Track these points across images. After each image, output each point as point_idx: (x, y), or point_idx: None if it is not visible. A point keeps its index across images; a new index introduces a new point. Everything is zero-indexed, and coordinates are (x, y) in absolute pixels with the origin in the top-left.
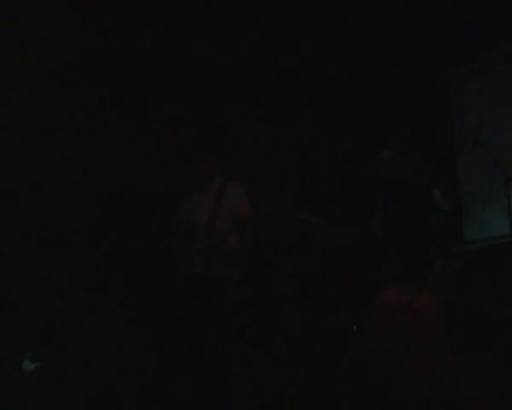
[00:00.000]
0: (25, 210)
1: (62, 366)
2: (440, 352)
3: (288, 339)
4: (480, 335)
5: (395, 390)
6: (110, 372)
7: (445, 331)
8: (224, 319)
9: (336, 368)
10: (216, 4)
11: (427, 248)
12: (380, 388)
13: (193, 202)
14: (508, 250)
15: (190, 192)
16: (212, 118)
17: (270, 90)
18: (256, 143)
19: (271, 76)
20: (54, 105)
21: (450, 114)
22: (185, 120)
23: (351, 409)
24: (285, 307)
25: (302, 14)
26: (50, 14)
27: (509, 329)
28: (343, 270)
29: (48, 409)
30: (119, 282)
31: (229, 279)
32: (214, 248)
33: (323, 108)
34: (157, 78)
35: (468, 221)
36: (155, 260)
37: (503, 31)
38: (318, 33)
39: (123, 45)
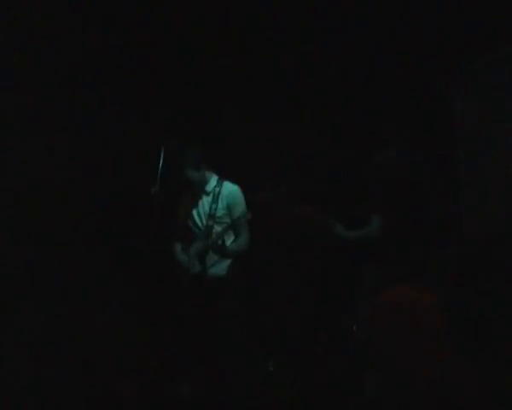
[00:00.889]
0: (25, 210)
1: (62, 366)
2: (440, 352)
3: (288, 339)
4: (480, 335)
5: (395, 390)
6: (110, 372)
7: (445, 331)
8: (223, 319)
9: (336, 368)
10: (216, 4)
11: (427, 248)
12: (380, 388)
13: (190, 202)
14: (508, 250)
15: (187, 192)
16: (211, 118)
17: (270, 90)
18: (256, 143)
19: (271, 76)
20: (54, 105)
21: (450, 114)
22: (185, 119)
23: (351, 409)
24: (285, 306)
25: (302, 14)
26: (50, 14)
27: (509, 329)
28: (343, 270)
29: (48, 409)
30: (119, 282)
31: (226, 279)
32: (211, 248)
33: (323, 108)
34: (157, 78)
35: (468, 221)
36: (155, 260)
37: (503, 31)
38: (318, 33)
39: (123, 45)
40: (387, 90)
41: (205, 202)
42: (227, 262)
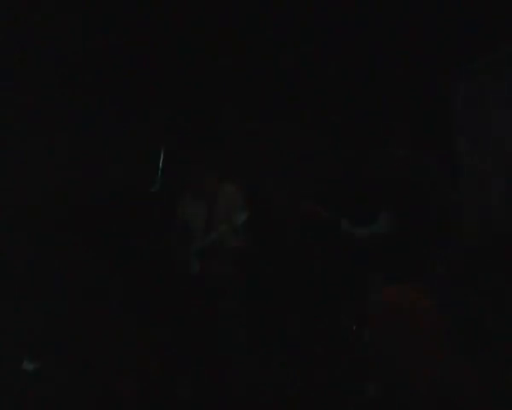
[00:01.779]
0: (25, 210)
1: (62, 366)
2: (440, 352)
3: (288, 339)
4: (480, 335)
5: (395, 390)
6: (110, 372)
7: (445, 331)
8: (223, 319)
9: (336, 368)
10: (216, 4)
11: (427, 248)
12: (380, 388)
13: (189, 202)
14: (508, 250)
15: (187, 192)
16: (211, 118)
17: (270, 90)
18: (256, 143)
19: (271, 76)
20: (54, 105)
21: (450, 113)
22: (184, 119)
23: (351, 409)
24: (284, 306)
25: (302, 14)
26: (50, 14)
27: (509, 329)
28: (343, 270)
29: (48, 409)
30: (119, 282)
31: (226, 279)
32: (210, 248)
33: (323, 108)
34: (157, 78)
35: (468, 221)
36: (155, 260)
37: (503, 31)
38: (318, 33)
39: (123, 45)
40: (387, 90)
41: (205, 202)
42: (226, 262)
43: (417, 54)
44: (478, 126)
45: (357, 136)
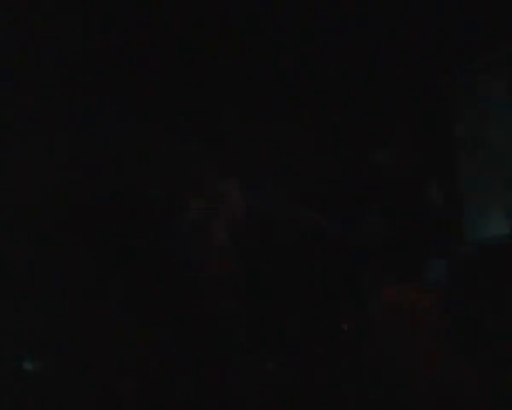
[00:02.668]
0: (25, 210)
1: (62, 366)
2: (440, 352)
3: (288, 339)
4: (480, 335)
5: (395, 390)
6: (110, 372)
7: (445, 331)
8: (222, 319)
9: (336, 368)
10: (216, 4)
11: (426, 248)
12: (380, 388)
13: (189, 201)
14: (508, 250)
15: (187, 192)
16: (211, 118)
17: (270, 89)
18: (256, 143)
19: (271, 76)
20: (54, 105)
21: (450, 114)
22: (184, 119)
23: (351, 409)
24: (284, 306)
25: (302, 14)
26: (50, 14)
27: (510, 329)
28: (343, 270)
29: (48, 409)
30: (119, 282)
31: (225, 279)
32: (210, 248)
33: (323, 108)
34: (157, 77)
35: (468, 221)
36: (154, 260)
37: (503, 31)
38: (318, 33)
39: (123, 45)
40: (387, 90)
41: (205, 202)
42: (226, 262)
43: (417, 54)
44: (478, 126)
45: (357, 136)
